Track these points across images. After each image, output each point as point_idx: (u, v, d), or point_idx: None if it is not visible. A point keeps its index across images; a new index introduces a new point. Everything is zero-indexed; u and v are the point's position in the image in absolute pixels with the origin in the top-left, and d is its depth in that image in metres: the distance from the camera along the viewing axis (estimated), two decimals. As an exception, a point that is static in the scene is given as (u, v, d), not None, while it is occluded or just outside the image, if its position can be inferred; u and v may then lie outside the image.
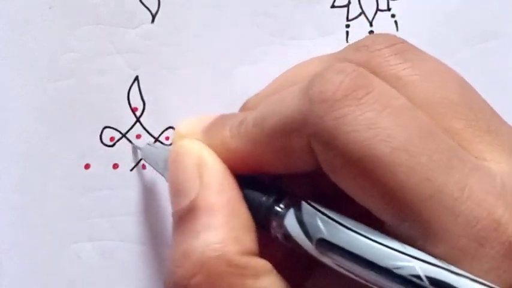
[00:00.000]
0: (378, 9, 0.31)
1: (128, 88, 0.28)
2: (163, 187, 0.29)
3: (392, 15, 0.31)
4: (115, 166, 0.28)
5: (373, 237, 0.20)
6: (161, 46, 0.29)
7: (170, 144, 0.28)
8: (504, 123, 0.23)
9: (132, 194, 0.28)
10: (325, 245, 0.21)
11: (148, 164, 0.28)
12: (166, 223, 0.29)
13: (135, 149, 0.28)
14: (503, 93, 0.33)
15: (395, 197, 0.20)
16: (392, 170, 0.20)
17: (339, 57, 0.24)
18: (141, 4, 0.28)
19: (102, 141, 0.28)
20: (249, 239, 0.22)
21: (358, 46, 0.24)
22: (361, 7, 0.31)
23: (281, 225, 0.22)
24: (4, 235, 0.27)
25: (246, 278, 0.21)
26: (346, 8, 0.31)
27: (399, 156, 0.20)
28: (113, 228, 0.28)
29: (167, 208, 0.29)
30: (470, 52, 0.32)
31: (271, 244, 0.23)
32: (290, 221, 0.22)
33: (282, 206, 0.22)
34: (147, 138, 0.29)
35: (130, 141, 0.28)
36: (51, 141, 0.27)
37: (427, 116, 0.21)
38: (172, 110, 0.29)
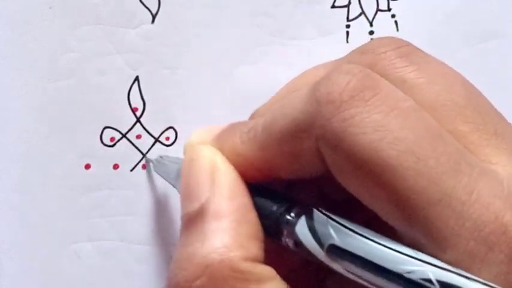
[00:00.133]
0: (378, 10, 0.31)
1: (128, 88, 0.28)
2: (163, 187, 0.29)
3: (393, 16, 0.31)
4: (115, 166, 0.28)
5: (382, 242, 0.20)
6: (161, 46, 0.29)
7: (172, 145, 0.28)
8: (509, 125, 0.22)
9: (132, 194, 0.28)
10: (335, 251, 0.20)
11: (160, 175, 0.28)
12: (166, 223, 0.29)
13: (147, 161, 0.28)
14: (503, 93, 0.32)
15: (403, 201, 0.19)
16: (399, 173, 0.19)
17: (345, 61, 0.24)
18: (141, 4, 0.28)
19: (102, 142, 0.28)
20: (255, 245, 0.22)
21: (363, 49, 0.24)
22: (361, 7, 0.31)
23: (292, 233, 0.22)
24: (4, 235, 0.27)
25: (249, 283, 0.21)
26: (346, 8, 0.31)
27: (407, 159, 0.19)
28: (113, 228, 0.28)
29: (167, 208, 0.29)
30: (470, 52, 0.32)
31: (283, 253, 0.23)
32: (301, 228, 0.22)
33: (292, 214, 0.22)
34: (147, 139, 0.29)
35: (130, 141, 0.28)
36: (51, 141, 0.27)
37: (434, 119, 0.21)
38: (172, 110, 0.29)
